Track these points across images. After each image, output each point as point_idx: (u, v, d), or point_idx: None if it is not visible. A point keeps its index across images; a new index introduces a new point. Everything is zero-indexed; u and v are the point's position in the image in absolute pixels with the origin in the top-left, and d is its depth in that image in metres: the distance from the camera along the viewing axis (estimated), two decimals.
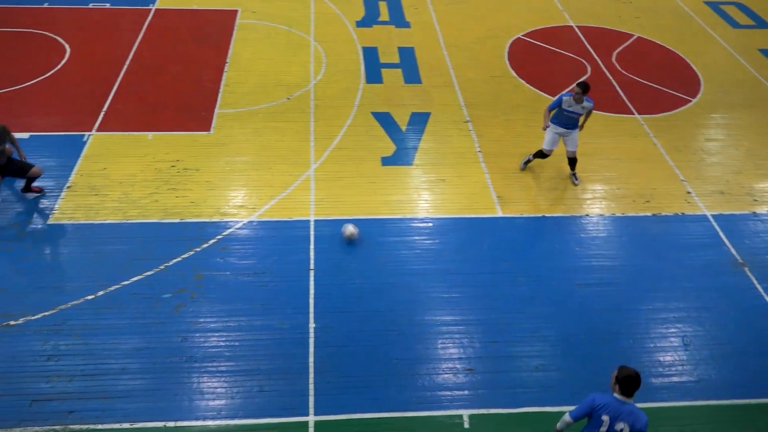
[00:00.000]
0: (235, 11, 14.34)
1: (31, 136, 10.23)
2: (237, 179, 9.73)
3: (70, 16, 13.84)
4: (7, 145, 8.76)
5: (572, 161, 9.99)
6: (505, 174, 10.10)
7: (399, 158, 10.30)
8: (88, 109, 10.96)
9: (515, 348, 7.45)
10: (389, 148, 10.52)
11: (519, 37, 14.15)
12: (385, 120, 11.15)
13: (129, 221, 8.83)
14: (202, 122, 10.83)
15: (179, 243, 8.50)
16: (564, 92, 9.60)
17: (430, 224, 9.13)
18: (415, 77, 12.48)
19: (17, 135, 10.05)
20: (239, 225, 8.88)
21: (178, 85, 11.80)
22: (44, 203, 9.05)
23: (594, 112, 11.73)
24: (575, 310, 7.95)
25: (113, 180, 9.50)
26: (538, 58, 13.51)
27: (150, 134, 10.49)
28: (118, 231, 8.67)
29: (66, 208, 8.98)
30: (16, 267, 8.07)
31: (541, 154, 10.00)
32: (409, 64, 12.89)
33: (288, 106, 11.40)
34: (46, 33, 13.03)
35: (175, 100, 11.37)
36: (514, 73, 12.84)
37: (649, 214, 9.55)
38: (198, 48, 12.93)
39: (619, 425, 5.23)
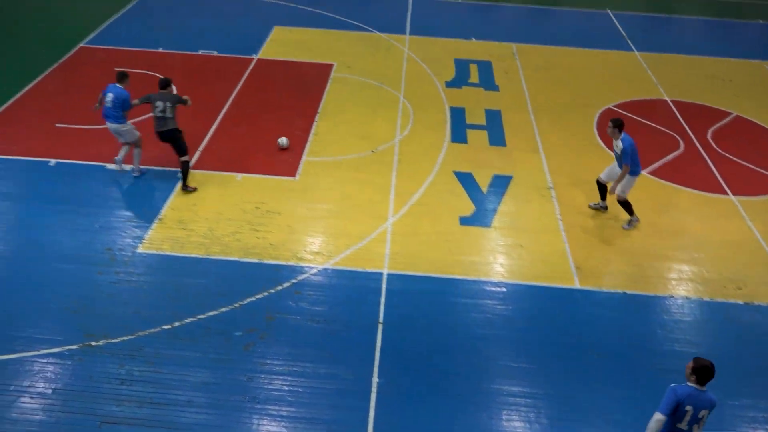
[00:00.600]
0: (331, 65, 14.97)
1: (132, 167, 10.91)
2: (316, 226, 9.95)
3: (181, 60, 14.89)
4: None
5: (619, 202, 10.08)
6: (586, 245, 9.84)
7: (477, 219, 10.25)
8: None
9: (584, 429, 7.07)
10: (468, 207, 10.50)
11: (610, 108, 13.97)
12: (466, 180, 11.18)
13: (211, 257, 9.16)
14: (289, 168, 11.23)
15: (255, 283, 8.73)
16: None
17: (504, 289, 8.96)
18: (500, 140, 12.51)
19: (125, 166, 10.78)
20: (314, 271, 9.03)
21: (271, 130, 12.34)
22: (136, 232, 9.56)
23: (686, 189, 11.32)
24: (654, 397, 7.45)
25: (201, 216, 9.95)
26: (628, 129, 13.15)
27: (239, 175, 10.97)
28: (200, 265, 9.01)
29: (155, 239, 9.45)
30: (104, 290, 8.50)
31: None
32: (495, 127, 12.95)
33: (372, 159, 11.66)
34: (158, 75, 14.03)
35: (266, 145, 11.88)
36: (602, 143, 12.64)
37: (740, 301, 8.98)
38: (292, 97, 13.54)
39: (701, 413, 5.67)
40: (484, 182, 11.17)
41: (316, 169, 11.27)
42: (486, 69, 15.38)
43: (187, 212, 10.02)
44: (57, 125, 12.04)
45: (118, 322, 7.99)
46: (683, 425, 5.61)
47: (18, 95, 13.00)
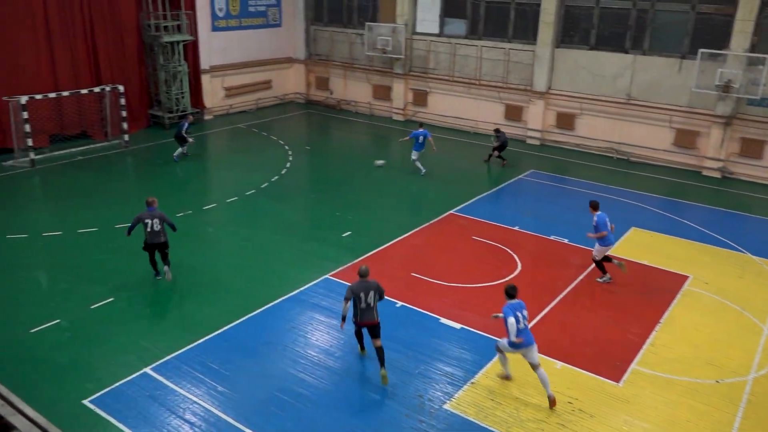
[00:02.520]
0: (686, 277, 13.92)
1: (461, 327, 11.59)
2: None
3: (531, 241, 15.68)
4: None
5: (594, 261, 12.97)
6: None
7: None
8: None
9: None
10: None
11: None
12: None
13: None
14: (615, 372, 10.48)
15: None
16: None
17: None
18: None
19: (451, 323, 11.57)
20: None
21: (604, 327, 11.84)
22: (447, 388, 9.91)
23: None
24: None
25: (511, 391, 9.84)
26: None
27: (559, 364, 10.65)
28: None
29: (462, 401, 9.63)
30: None
31: None
32: None
33: (714, 390, 10.13)
34: (507, 249, 15.01)
35: (595, 341, 11.38)
36: None
37: None
38: (635, 299, 12.88)
39: (525, 313, 9.43)
40: None
41: (645, 382, 10.26)
42: None
43: (500, 384, 10.04)
44: (412, 274, 13.65)
45: None
46: (522, 325, 9.20)
47: (391, 242, 15.29)
